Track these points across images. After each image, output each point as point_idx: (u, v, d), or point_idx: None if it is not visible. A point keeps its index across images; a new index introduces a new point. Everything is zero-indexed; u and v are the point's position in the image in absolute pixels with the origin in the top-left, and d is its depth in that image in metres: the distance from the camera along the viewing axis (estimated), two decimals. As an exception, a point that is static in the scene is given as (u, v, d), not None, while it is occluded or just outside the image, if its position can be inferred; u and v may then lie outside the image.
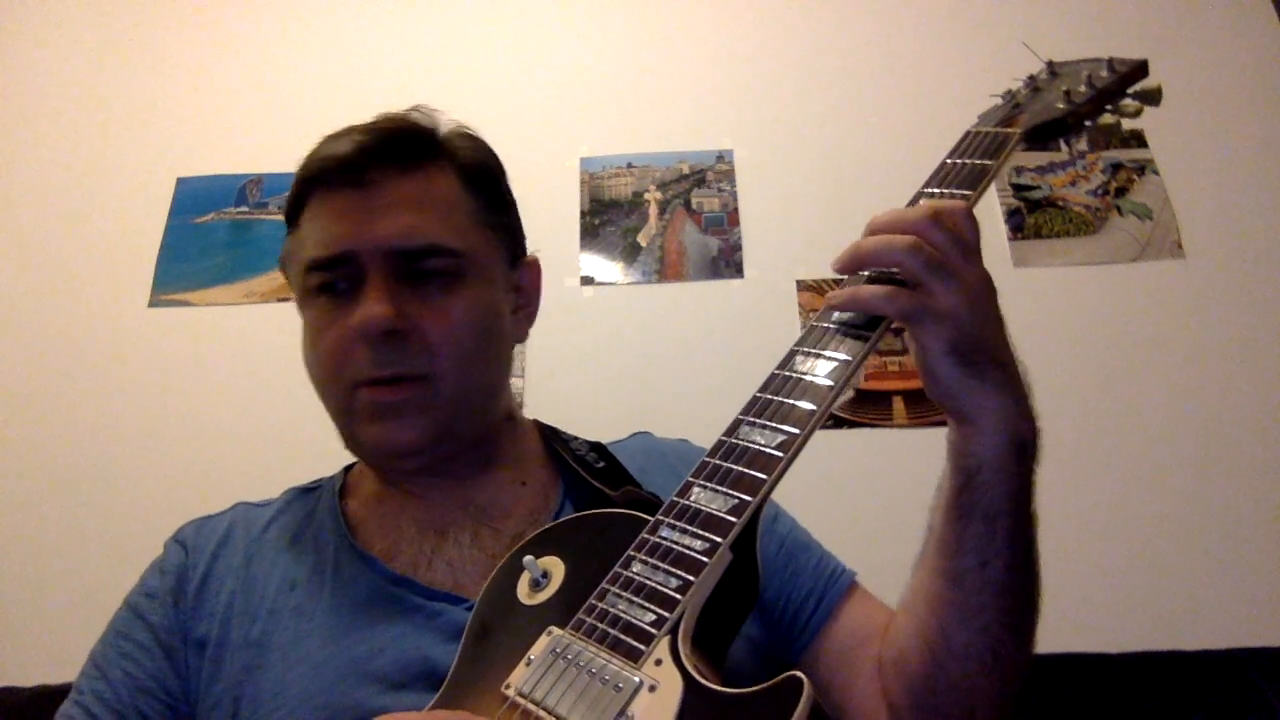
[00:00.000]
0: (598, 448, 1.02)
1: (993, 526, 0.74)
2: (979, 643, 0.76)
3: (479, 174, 0.97)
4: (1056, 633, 1.55)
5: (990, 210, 2.10)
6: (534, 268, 1.04)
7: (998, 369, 0.73)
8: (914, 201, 0.80)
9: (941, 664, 0.78)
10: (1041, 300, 2.01)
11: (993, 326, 0.73)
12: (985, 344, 0.72)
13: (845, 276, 0.76)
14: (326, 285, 0.90)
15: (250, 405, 2.01)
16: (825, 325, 0.75)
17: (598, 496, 0.91)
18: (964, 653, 0.77)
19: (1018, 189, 2.13)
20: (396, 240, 0.88)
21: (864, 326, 0.73)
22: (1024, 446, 0.74)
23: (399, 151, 0.91)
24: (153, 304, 2.13)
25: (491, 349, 0.94)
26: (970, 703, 0.78)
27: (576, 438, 1.05)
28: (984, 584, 0.75)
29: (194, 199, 2.24)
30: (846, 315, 0.75)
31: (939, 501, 0.79)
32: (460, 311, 0.90)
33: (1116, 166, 2.14)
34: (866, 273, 0.74)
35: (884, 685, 0.84)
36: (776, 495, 1.04)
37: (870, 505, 1.79)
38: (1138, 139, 2.15)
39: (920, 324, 0.71)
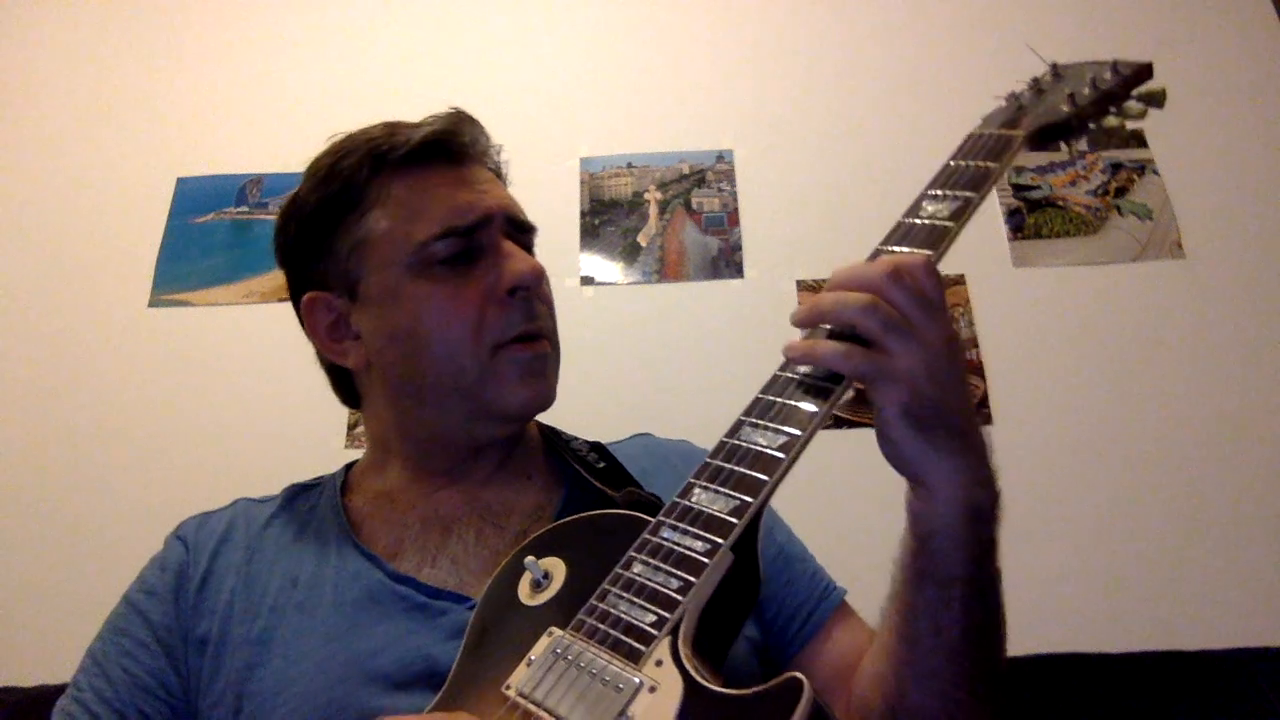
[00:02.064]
0: (598, 448, 1.03)
1: (947, 592, 0.72)
2: (933, 704, 0.75)
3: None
4: (1057, 633, 1.56)
5: (990, 210, 2.10)
6: None
7: (953, 436, 0.70)
8: (916, 205, 0.80)
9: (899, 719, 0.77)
10: (1041, 300, 2.01)
11: (952, 389, 0.70)
12: (942, 409, 0.69)
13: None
14: (450, 257, 0.91)
15: (250, 405, 2.02)
16: (829, 330, 0.75)
17: (599, 497, 0.91)
18: (920, 711, 0.76)
19: (1018, 189, 2.13)
20: (514, 210, 0.96)
21: (821, 384, 0.72)
22: (980, 513, 0.71)
23: (475, 142, 0.98)
24: (153, 304, 2.13)
25: None
26: None
27: (576, 438, 1.05)
28: (937, 648, 0.74)
29: (194, 199, 2.24)
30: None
31: (897, 560, 0.77)
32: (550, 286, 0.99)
33: (1116, 166, 2.14)
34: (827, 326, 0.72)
35: None
36: (776, 498, 1.05)
37: (869, 505, 1.78)
38: (1138, 139, 2.15)
39: (875, 385, 0.69)
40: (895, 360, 0.67)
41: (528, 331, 0.92)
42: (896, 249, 0.76)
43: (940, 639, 0.73)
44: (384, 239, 0.92)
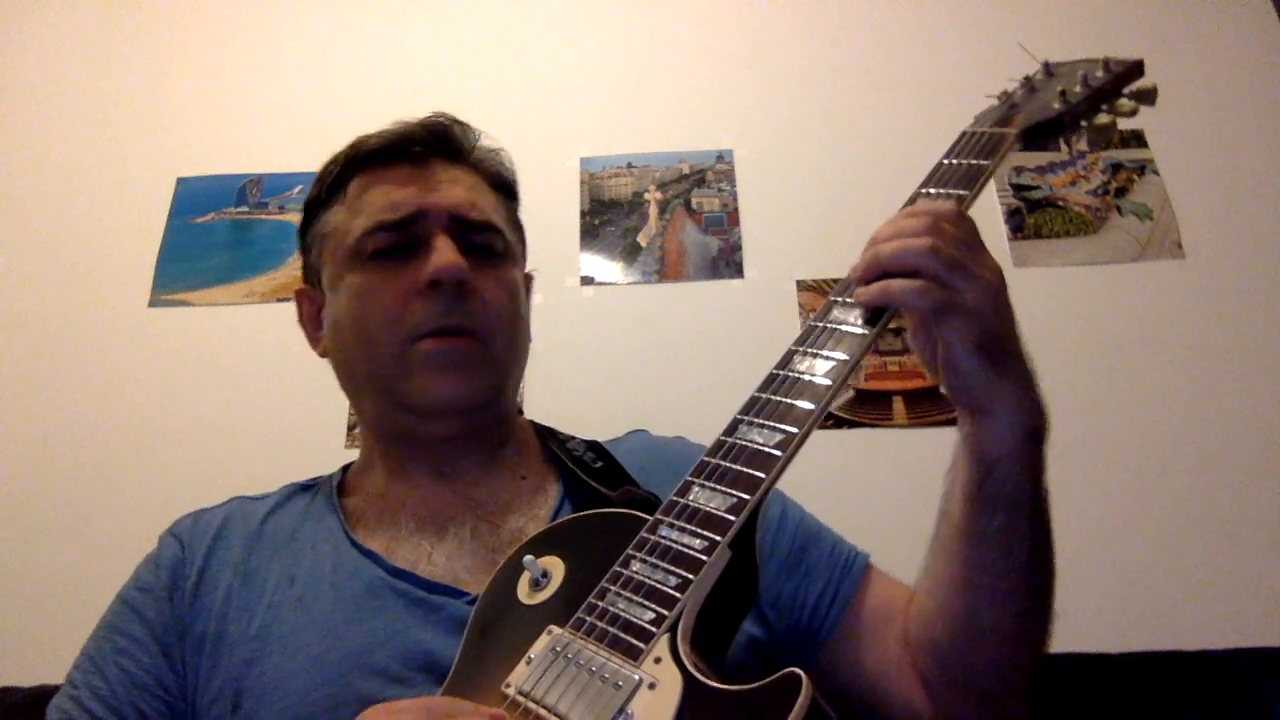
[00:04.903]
0: (595, 447, 1.03)
1: (1016, 515, 0.77)
2: (1008, 620, 0.79)
3: (504, 183, 1.06)
4: (1057, 633, 1.56)
5: (990, 210, 2.10)
6: (530, 280, 1.10)
7: (1015, 362, 0.75)
8: (910, 202, 0.81)
9: (974, 643, 0.81)
10: (1041, 300, 2.01)
11: (1009, 320, 0.75)
12: (1006, 339, 0.74)
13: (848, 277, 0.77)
14: (381, 251, 0.94)
15: (250, 405, 2.01)
16: (823, 325, 0.76)
17: (596, 496, 0.91)
18: (995, 630, 0.80)
19: (1018, 189, 2.13)
20: (462, 208, 0.96)
21: (862, 325, 0.74)
22: (1038, 433, 0.77)
23: (447, 144, 1.00)
24: (153, 304, 2.13)
25: (523, 332, 1.02)
26: (1002, 673, 0.82)
27: (573, 437, 1.06)
28: (1009, 568, 0.78)
29: (194, 199, 2.24)
30: (845, 314, 0.76)
31: (955, 492, 0.80)
32: (508, 287, 0.99)
33: (1116, 166, 2.14)
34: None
35: (914, 661, 0.86)
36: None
37: (870, 505, 1.79)
38: (1138, 139, 2.15)
39: (948, 320, 0.72)
40: (964, 295, 0.71)
41: (445, 326, 0.92)
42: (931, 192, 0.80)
43: (1012, 558, 0.78)
44: (334, 233, 0.98)
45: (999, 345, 0.73)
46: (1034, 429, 0.76)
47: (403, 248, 0.94)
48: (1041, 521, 0.79)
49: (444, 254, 0.92)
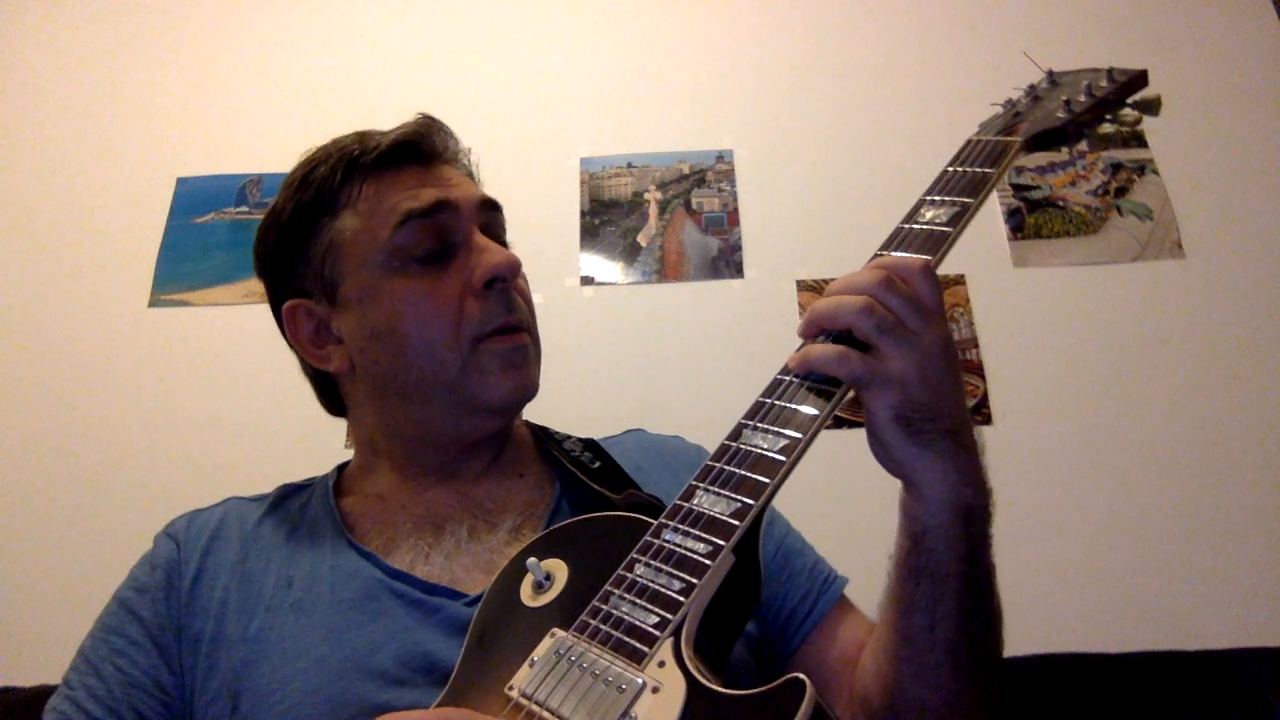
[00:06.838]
0: (591, 445, 1.03)
1: (941, 589, 0.74)
2: (934, 696, 0.76)
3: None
4: (1058, 633, 1.56)
5: (990, 210, 2.10)
6: None
7: (944, 438, 0.71)
8: (915, 210, 0.81)
9: (899, 713, 0.78)
10: (1041, 300, 2.02)
11: (946, 392, 0.72)
12: (934, 412, 0.71)
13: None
14: (427, 255, 0.92)
15: (250, 405, 2.01)
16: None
17: (598, 499, 0.91)
18: (919, 705, 0.77)
19: (1018, 189, 2.13)
20: (485, 202, 0.97)
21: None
22: (971, 512, 0.73)
23: (443, 146, 1.00)
24: (153, 304, 2.13)
25: None
26: None
27: (569, 436, 1.05)
28: (934, 642, 0.75)
29: (194, 199, 2.24)
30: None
31: (893, 557, 0.78)
32: (528, 284, 1.00)
33: (1116, 166, 2.14)
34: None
35: (854, 716, 0.85)
36: (777, 497, 1.05)
37: (869, 505, 1.78)
38: (1138, 139, 2.15)
39: (868, 388, 0.70)
40: (889, 363, 0.69)
41: (507, 324, 0.92)
42: (895, 254, 0.77)
43: (936, 634, 0.75)
44: (355, 239, 0.93)
45: (925, 418, 0.70)
46: (966, 507, 0.72)
47: (443, 250, 0.93)
48: (973, 599, 0.74)
49: (498, 252, 0.93)
